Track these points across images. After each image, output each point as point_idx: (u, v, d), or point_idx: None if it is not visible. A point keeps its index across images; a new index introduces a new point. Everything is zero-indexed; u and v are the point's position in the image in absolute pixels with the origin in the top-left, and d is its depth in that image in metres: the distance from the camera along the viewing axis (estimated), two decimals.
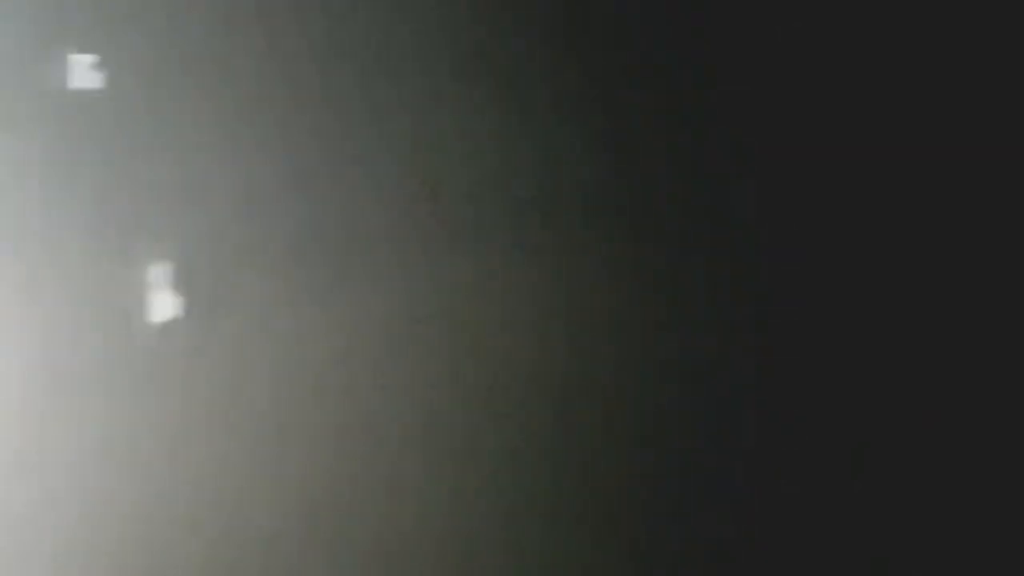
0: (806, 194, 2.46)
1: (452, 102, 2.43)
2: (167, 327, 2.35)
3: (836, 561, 2.41)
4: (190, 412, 2.35)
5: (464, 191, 2.42)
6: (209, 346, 2.36)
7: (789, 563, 2.41)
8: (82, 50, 2.35)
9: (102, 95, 2.35)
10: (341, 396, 2.38)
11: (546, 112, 2.44)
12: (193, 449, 2.34)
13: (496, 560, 2.38)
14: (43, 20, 2.34)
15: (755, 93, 2.45)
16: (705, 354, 2.44)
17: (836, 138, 2.47)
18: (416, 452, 2.39)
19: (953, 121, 2.46)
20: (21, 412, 2.31)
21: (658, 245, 2.45)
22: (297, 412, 2.37)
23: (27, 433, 2.30)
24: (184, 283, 2.35)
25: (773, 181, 2.46)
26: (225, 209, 2.38)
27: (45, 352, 2.32)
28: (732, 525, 2.41)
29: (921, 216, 2.47)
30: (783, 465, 2.43)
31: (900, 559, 2.41)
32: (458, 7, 2.44)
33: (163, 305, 2.35)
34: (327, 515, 2.36)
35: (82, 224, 2.35)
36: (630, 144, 2.44)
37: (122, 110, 2.36)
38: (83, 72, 2.35)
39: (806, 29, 2.47)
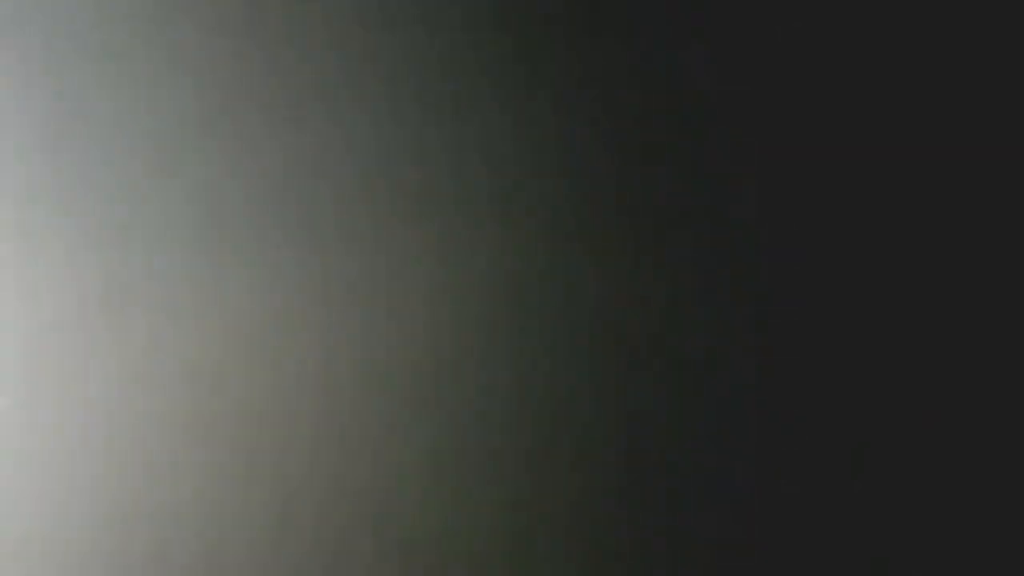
0: (806, 194, 2.47)
1: (441, 100, 2.45)
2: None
3: (836, 561, 2.42)
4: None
5: (451, 187, 2.44)
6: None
7: (789, 563, 2.42)
8: None
9: None
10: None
11: (545, 110, 2.45)
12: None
13: (485, 563, 2.39)
14: None
15: (756, 93, 2.46)
16: (705, 354, 2.45)
17: (836, 138, 2.48)
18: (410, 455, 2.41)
19: (953, 121, 2.47)
20: None
21: (657, 244, 2.46)
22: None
23: None
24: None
25: (773, 181, 2.47)
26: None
27: None
28: (731, 525, 2.42)
29: (921, 216, 2.48)
30: (783, 465, 2.44)
31: (900, 559, 2.42)
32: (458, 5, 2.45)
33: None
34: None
35: None
36: (631, 144, 2.45)
37: None
38: None
39: (806, 30, 2.48)
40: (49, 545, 2.31)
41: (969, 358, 2.45)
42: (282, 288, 2.39)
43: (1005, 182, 2.47)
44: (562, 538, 2.40)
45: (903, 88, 2.48)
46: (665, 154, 2.46)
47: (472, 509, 2.39)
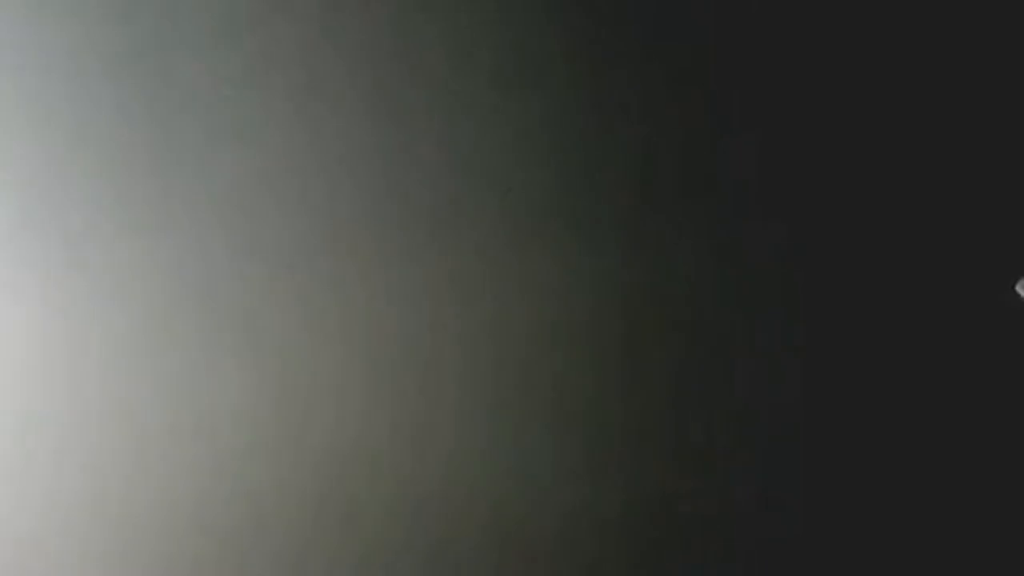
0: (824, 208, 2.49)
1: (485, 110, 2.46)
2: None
3: (838, 561, 2.44)
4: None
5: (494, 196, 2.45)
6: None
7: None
8: None
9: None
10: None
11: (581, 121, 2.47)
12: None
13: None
14: None
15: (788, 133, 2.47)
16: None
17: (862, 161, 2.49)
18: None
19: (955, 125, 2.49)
20: None
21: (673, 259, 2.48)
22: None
23: None
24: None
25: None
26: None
27: None
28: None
29: (920, 220, 2.50)
30: (785, 461, 2.45)
31: (900, 559, 2.44)
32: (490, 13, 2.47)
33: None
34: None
35: None
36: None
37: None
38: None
39: (812, 34, 2.49)
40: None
41: (969, 359, 2.47)
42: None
43: (1005, 182, 2.49)
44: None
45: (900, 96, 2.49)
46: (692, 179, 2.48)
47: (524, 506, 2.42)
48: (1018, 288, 2.02)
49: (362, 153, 2.43)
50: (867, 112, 2.49)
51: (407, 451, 2.41)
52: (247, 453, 2.38)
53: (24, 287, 2.36)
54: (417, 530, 2.41)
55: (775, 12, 2.47)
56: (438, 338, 2.43)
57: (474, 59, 2.44)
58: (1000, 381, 2.46)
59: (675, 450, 2.45)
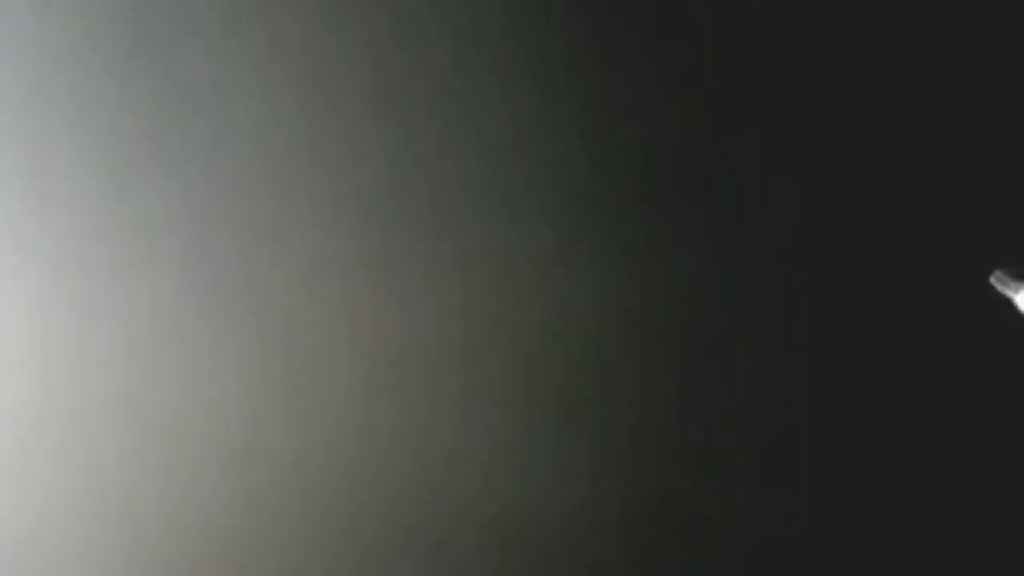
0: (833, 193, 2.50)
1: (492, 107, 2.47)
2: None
3: (839, 561, 2.45)
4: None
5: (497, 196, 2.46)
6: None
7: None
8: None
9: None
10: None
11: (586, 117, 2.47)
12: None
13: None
14: None
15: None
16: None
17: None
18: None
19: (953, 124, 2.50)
20: None
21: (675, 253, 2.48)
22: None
23: None
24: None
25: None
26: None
27: None
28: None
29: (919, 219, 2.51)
30: (786, 455, 2.46)
31: (900, 559, 2.45)
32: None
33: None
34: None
35: None
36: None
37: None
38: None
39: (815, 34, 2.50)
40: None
41: (969, 359, 2.48)
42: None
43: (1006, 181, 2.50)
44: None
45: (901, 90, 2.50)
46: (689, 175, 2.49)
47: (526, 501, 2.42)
48: (992, 280, 2.03)
49: (363, 152, 2.42)
50: (867, 112, 2.49)
51: (408, 451, 2.41)
52: (248, 453, 2.38)
53: (25, 285, 2.35)
54: (417, 530, 2.41)
55: (775, 12, 2.48)
56: (439, 338, 2.43)
57: (475, 58, 2.44)
58: (999, 380, 2.47)
59: (675, 450, 2.45)
